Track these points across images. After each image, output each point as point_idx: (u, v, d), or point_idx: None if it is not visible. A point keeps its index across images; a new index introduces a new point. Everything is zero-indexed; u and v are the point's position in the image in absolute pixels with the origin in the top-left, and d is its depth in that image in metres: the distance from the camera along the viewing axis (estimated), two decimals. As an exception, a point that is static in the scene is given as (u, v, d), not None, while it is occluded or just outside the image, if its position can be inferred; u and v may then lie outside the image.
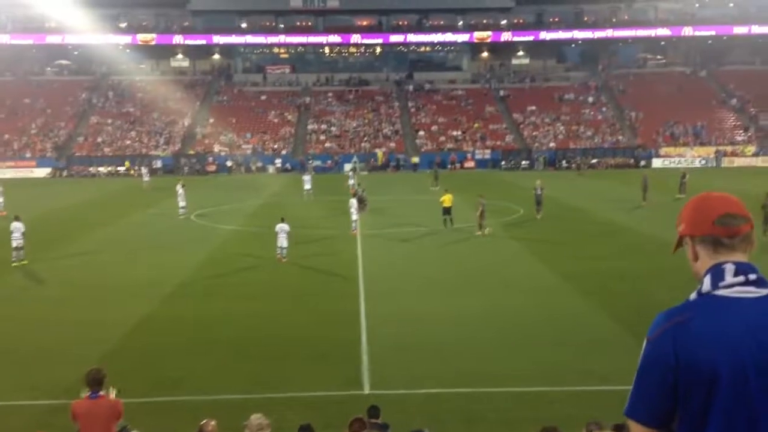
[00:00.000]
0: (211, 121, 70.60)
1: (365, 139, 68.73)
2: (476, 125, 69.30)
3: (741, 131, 67.72)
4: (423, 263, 24.37)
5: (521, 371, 13.90)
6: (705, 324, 2.32)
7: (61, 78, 76.81)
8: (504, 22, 78.15)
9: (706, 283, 2.40)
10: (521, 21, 79.57)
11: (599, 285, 20.63)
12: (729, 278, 2.37)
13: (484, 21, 78.90)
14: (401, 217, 34.75)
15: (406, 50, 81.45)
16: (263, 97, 74.87)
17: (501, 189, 44.86)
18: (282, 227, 24.18)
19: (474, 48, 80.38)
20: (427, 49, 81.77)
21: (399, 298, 19.56)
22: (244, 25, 78.10)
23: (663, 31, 76.14)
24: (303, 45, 79.86)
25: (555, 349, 15.00)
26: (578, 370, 13.78)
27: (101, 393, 7.61)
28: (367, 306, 18.58)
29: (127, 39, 74.99)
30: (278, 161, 65.00)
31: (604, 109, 72.06)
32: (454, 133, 68.60)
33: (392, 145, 67.65)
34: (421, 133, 69.02)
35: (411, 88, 76.53)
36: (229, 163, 64.34)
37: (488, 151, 65.70)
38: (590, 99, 73.09)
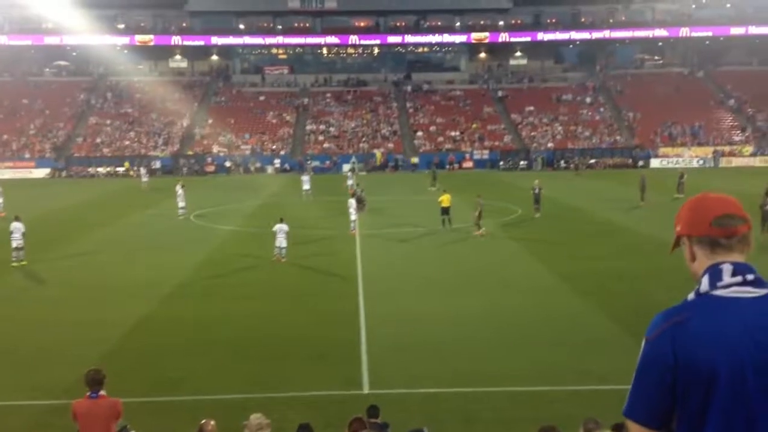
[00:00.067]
0: (210, 121, 70.56)
1: (364, 139, 68.73)
2: (474, 126, 69.31)
3: (738, 131, 67.76)
4: (421, 263, 24.40)
5: (519, 371, 13.95)
6: (703, 324, 2.33)
7: (60, 79, 76.73)
8: (501, 23, 78.20)
9: (704, 284, 2.41)
10: (519, 22, 79.65)
11: (597, 285, 20.66)
12: (727, 278, 2.38)
13: (482, 22, 78.91)
14: (400, 218, 34.78)
15: (404, 51, 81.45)
16: (262, 98, 74.84)
17: (499, 189, 44.94)
18: (281, 227, 24.23)
19: (472, 49, 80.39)
20: (425, 49, 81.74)
21: (398, 298, 19.58)
22: (242, 26, 78.09)
23: (660, 32, 76.22)
24: (301, 46, 79.85)
25: (553, 349, 15.04)
26: (576, 369, 13.82)
27: (101, 393, 7.65)
28: (366, 306, 18.61)
29: (125, 40, 74.89)
30: (277, 162, 65.00)
31: (601, 109, 72.11)
32: (453, 133, 68.60)
33: (390, 145, 67.65)
34: (420, 133, 69.01)
35: (409, 88, 76.52)
36: (227, 164, 64.29)
37: (486, 152, 65.70)
38: (588, 99, 73.13)
